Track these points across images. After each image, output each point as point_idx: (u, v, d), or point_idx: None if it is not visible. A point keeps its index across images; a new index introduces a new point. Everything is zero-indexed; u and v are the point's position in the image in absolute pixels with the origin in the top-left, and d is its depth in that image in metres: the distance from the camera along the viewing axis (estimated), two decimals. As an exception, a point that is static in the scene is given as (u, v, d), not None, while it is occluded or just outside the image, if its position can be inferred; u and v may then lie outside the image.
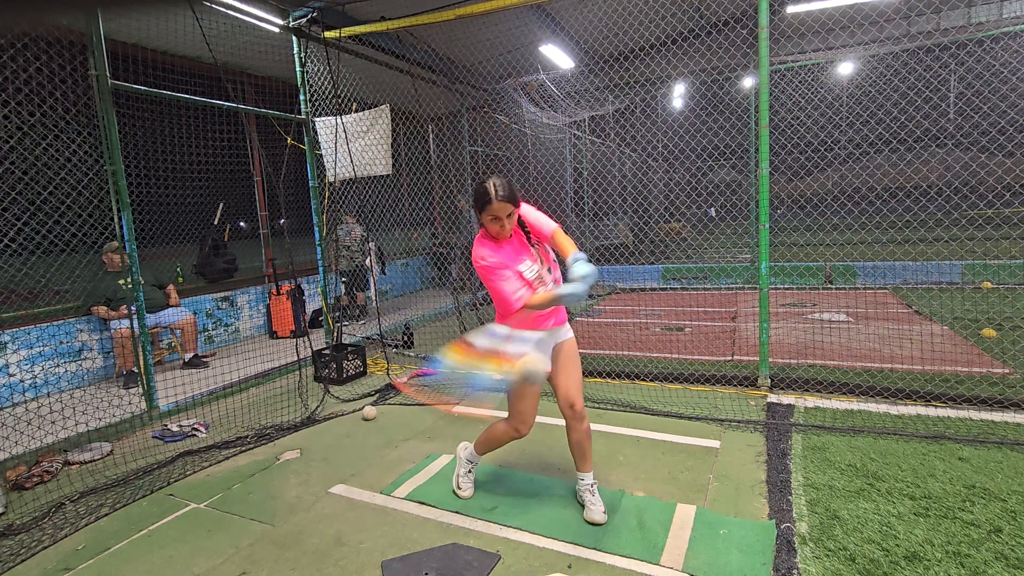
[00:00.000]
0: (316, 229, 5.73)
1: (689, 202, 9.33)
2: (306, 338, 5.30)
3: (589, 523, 2.56)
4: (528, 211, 2.53)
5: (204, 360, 5.56)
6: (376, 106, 5.55)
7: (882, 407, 3.67)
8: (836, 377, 4.15)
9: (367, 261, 7.41)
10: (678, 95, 12.74)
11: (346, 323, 6.83)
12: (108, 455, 3.67)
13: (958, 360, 4.47)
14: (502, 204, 2.31)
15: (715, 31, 7.23)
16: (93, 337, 5.18)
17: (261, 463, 3.44)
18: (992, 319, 5.73)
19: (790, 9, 8.66)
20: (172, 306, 5.50)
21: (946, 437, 3.18)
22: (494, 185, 2.32)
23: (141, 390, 4.29)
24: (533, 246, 2.50)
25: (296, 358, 5.17)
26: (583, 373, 4.72)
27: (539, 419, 3.80)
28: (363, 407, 4.22)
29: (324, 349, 5.19)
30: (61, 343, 4.92)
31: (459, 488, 2.87)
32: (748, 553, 2.29)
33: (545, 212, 2.60)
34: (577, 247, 2.41)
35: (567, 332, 2.65)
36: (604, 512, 2.57)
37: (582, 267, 2.23)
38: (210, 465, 3.44)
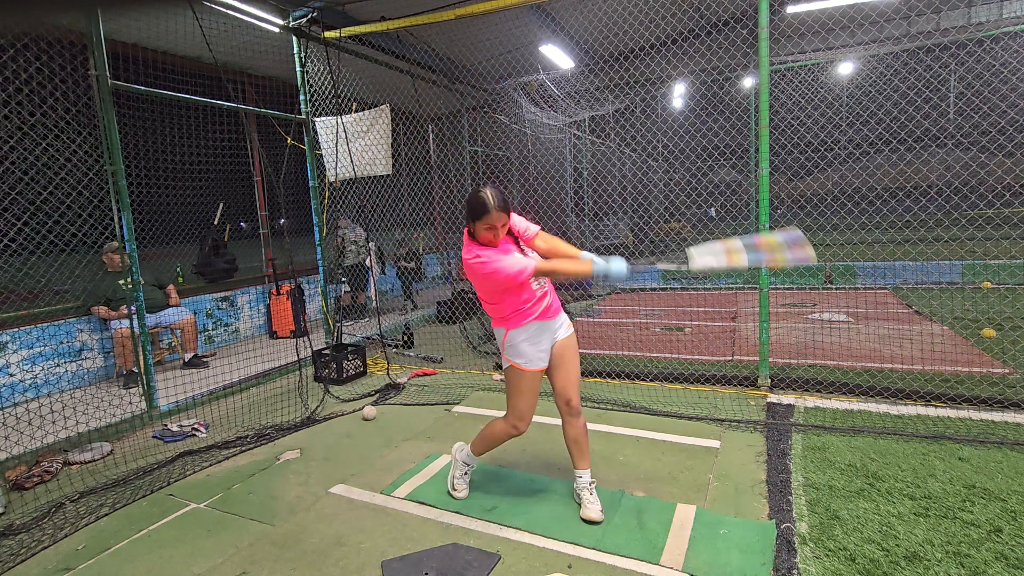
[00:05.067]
0: (316, 229, 5.73)
1: (689, 202, 9.31)
2: (306, 338, 5.30)
3: (586, 521, 2.56)
4: (512, 216, 2.55)
5: (204, 360, 5.56)
6: (376, 106, 5.55)
7: (882, 407, 3.67)
8: (836, 377, 4.14)
9: (367, 260, 7.42)
10: (678, 95, 12.77)
11: (348, 322, 6.83)
12: (108, 455, 3.67)
13: (958, 360, 4.47)
14: (499, 214, 2.35)
15: (715, 31, 7.22)
16: (93, 337, 5.18)
17: (261, 463, 3.44)
18: (992, 319, 5.73)
19: (790, 9, 8.67)
20: (172, 306, 5.50)
21: (946, 437, 3.18)
22: (491, 195, 2.34)
23: (141, 390, 4.28)
24: (522, 249, 2.53)
25: (296, 358, 5.18)
26: (583, 373, 4.78)
27: (538, 419, 3.81)
28: (363, 407, 4.22)
29: (324, 349, 5.19)
30: (61, 343, 4.92)
31: (454, 490, 2.86)
32: (748, 553, 2.29)
33: (544, 213, 2.62)
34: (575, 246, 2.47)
35: (566, 329, 2.65)
36: (601, 510, 2.57)
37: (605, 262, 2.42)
38: (210, 465, 3.44)
